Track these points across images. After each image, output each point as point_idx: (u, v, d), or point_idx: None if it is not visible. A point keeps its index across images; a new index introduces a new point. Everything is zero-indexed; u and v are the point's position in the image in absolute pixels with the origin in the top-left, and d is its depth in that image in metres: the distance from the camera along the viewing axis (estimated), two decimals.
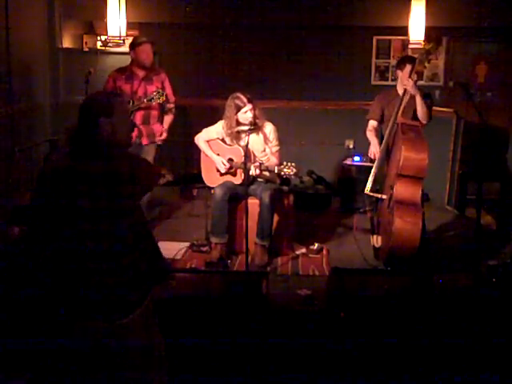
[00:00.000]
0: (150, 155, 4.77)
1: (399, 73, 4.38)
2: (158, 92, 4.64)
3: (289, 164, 3.99)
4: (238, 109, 4.24)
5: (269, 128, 4.39)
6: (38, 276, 2.08)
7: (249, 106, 4.23)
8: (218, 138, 4.47)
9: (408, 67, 4.27)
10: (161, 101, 4.67)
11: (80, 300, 2.03)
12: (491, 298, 3.39)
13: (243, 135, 4.16)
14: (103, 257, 2.03)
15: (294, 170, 3.98)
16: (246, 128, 4.11)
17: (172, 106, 4.94)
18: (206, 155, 4.51)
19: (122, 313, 2.05)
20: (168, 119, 4.97)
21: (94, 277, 2.02)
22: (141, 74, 4.84)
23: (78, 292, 2.03)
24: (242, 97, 4.24)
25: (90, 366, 2.08)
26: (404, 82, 4.24)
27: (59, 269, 2.04)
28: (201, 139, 4.54)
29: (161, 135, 4.89)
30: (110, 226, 2.03)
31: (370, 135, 4.51)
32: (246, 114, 4.24)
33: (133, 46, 4.84)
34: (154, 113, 4.87)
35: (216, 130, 4.47)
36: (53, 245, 2.05)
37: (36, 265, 2.08)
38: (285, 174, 4.01)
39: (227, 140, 4.43)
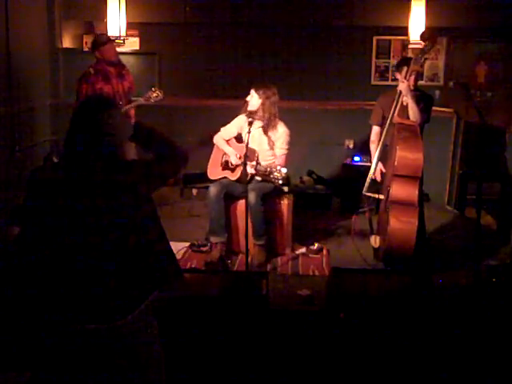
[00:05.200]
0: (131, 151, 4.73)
1: (398, 75, 4.39)
2: (153, 90, 4.66)
3: (279, 168, 3.90)
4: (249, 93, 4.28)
5: (281, 130, 4.35)
6: (32, 277, 2.06)
7: (253, 95, 4.24)
8: (238, 133, 4.45)
9: (405, 69, 4.28)
10: (158, 98, 4.67)
11: (76, 301, 2.02)
12: (491, 298, 3.39)
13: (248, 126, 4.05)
14: (100, 261, 2.02)
15: (281, 177, 3.89)
16: (250, 119, 4.04)
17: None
18: (219, 149, 4.50)
19: (120, 314, 2.04)
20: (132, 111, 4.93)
21: (90, 278, 2.01)
22: (113, 71, 4.86)
23: (74, 293, 2.02)
24: (259, 85, 4.28)
25: (89, 366, 2.08)
26: (399, 83, 4.25)
27: (53, 270, 2.02)
28: (220, 138, 4.50)
29: None
30: (107, 234, 2.01)
31: (374, 149, 4.47)
32: (249, 101, 4.27)
33: (97, 45, 4.82)
34: (132, 110, 4.86)
35: (236, 125, 4.45)
36: (47, 247, 2.03)
37: (29, 266, 2.06)
38: (274, 178, 3.92)
39: (243, 133, 4.38)
